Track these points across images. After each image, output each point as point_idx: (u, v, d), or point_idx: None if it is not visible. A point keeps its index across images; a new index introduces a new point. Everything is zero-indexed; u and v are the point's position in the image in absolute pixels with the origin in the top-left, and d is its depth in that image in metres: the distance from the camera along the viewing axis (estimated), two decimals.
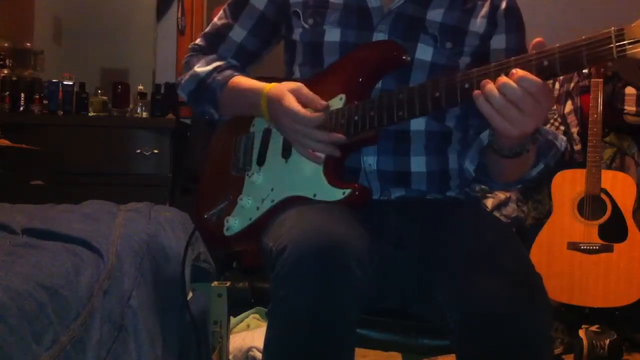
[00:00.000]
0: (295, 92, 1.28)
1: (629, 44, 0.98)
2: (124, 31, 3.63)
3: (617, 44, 0.99)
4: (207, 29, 1.55)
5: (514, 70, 1.06)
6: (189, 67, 1.50)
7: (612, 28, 1.00)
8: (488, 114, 1.08)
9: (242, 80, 1.41)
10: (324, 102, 1.28)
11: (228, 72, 1.44)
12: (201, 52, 1.52)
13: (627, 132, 3.17)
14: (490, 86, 1.07)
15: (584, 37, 1.03)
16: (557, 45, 1.06)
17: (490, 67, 1.11)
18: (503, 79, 1.07)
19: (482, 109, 1.09)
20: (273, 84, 1.34)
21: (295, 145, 1.30)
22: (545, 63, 1.06)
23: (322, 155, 1.27)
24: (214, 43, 1.51)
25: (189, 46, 1.56)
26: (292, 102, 1.27)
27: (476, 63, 1.23)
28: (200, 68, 1.47)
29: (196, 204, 1.54)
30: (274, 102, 1.30)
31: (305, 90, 1.29)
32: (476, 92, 1.09)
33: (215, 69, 1.45)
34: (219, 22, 1.52)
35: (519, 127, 1.08)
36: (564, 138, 1.31)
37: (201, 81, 1.46)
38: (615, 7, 3.38)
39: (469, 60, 1.37)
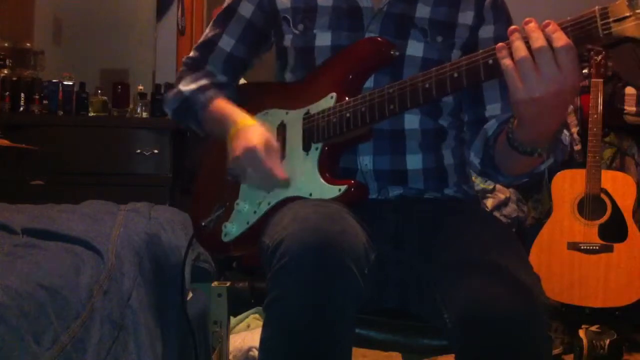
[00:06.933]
0: (266, 146, 1.27)
1: (614, 21, 0.98)
2: (124, 31, 3.63)
3: (602, 22, 0.98)
4: (199, 40, 1.56)
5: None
6: (179, 82, 1.51)
7: (597, 7, 0.99)
8: (505, 66, 1.05)
9: (221, 105, 1.41)
10: (285, 175, 1.26)
11: (210, 93, 1.44)
12: (193, 65, 1.53)
13: (627, 132, 3.17)
14: (519, 42, 1.04)
15: (569, 17, 1.02)
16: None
17: (478, 54, 1.11)
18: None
19: (500, 60, 1.06)
20: (249, 122, 1.34)
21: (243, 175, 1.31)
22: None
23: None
24: (205, 54, 1.53)
25: (183, 60, 1.57)
26: (261, 153, 1.26)
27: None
28: (185, 87, 1.48)
29: (191, 212, 1.54)
30: (242, 136, 1.29)
31: (275, 155, 1.28)
32: (500, 44, 1.06)
33: (199, 88, 1.46)
34: (210, 33, 1.53)
35: (529, 88, 1.04)
36: (567, 133, 1.29)
37: (184, 100, 1.48)
38: None
39: (460, 53, 1.37)
